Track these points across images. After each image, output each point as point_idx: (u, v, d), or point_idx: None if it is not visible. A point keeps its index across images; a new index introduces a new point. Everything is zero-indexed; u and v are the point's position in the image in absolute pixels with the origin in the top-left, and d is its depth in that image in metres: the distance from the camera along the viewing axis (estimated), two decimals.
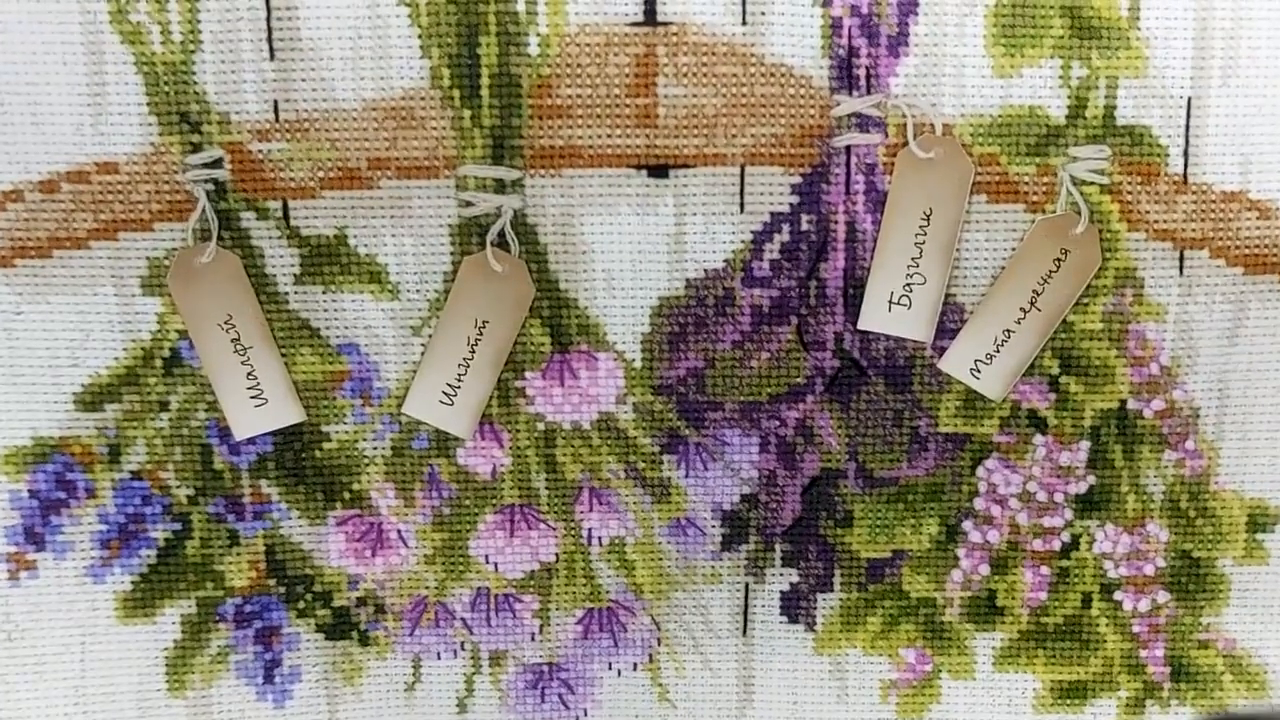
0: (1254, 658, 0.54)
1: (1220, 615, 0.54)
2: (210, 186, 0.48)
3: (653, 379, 0.51)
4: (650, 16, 0.47)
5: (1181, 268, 0.50)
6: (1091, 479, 0.52)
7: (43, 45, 0.46)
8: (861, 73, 0.48)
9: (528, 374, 0.51)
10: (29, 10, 0.46)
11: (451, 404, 0.50)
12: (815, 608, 0.54)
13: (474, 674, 0.54)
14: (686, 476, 0.52)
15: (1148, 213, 0.49)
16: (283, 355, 0.50)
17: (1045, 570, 0.53)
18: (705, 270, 0.50)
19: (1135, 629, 0.54)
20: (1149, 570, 0.53)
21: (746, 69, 0.48)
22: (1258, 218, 0.49)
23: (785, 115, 0.48)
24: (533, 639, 0.54)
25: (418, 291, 0.50)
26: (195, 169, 0.48)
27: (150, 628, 0.53)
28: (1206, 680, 0.55)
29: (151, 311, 0.49)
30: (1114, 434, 0.52)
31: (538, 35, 0.47)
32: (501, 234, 0.49)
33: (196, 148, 0.48)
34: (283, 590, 0.53)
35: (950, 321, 0.50)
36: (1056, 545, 0.53)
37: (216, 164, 0.48)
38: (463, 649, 0.54)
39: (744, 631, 0.54)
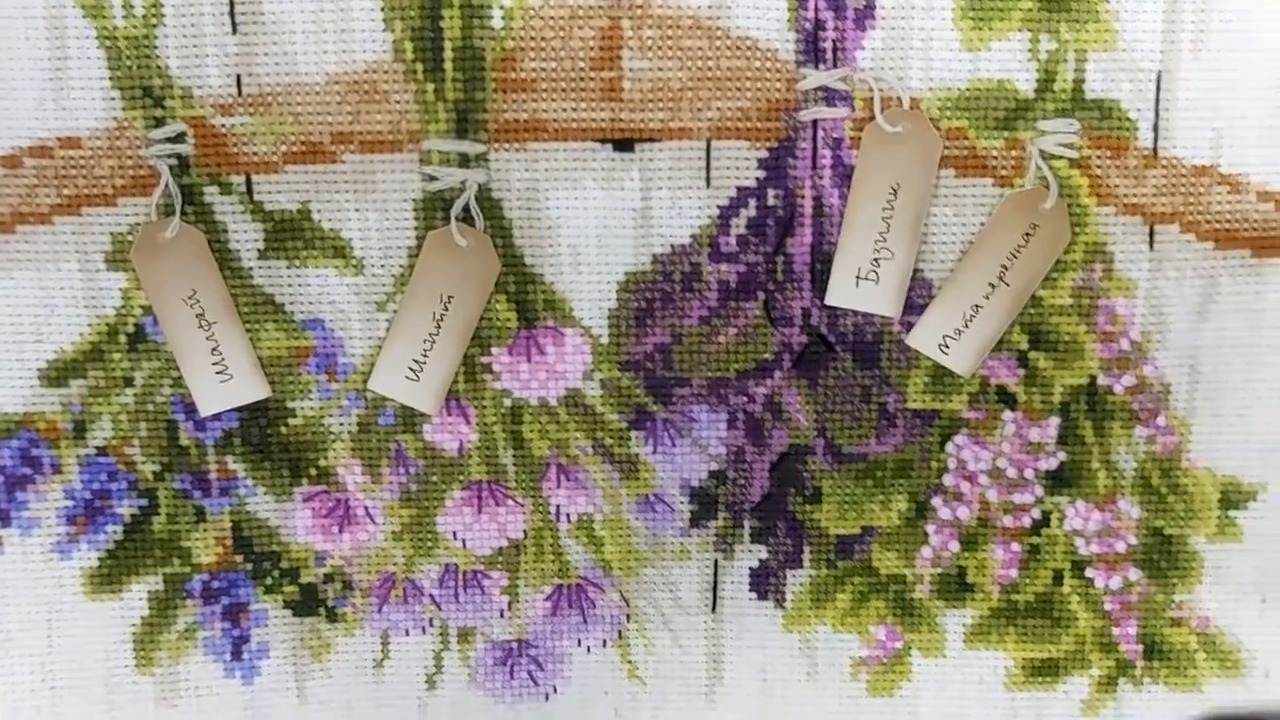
0: (1227, 636, 0.54)
1: (1193, 593, 0.54)
2: (173, 161, 0.48)
3: (620, 355, 0.51)
4: None
5: (1151, 242, 0.50)
6: (1062, 455, 0.52)
7: (4, 19, 0.46)
8: (828, 46, 0.48)
9: (494, 350, 0.50)
10: None
11: (418, 380, 0.50)
12: (784, 584, 0.54)
13: (443, 651, 0.54)
14: (654, 453, 0.52)
15: (1117, 187, 0.49)
16: (247, 331, 0.50)
17: (1016, 547, 0.53)
18: (672, 245, 0.50)
19: (1107, 606, 0.54)
20: (1120, 547, 0.53)
21: (712, 42, 0.47)
22: (1229, 192, 0.49)
23: (751, 89, 0.48)
24: (501, 616, 0.54)
25: (382, 267, 0.49)
26: (158, 144, 0.48)
27: (117, 604, 0.53)
28: (1180, 658, 0.54)
29: (116, 287, 0.49)
30: (1084, 410, 0.51)
31: (501, 8, 0.47)
32: (466, 209, 0.49)
33: (159, 122, 0.47)
34: (250, 566, 0.52)
35: (918, 297, 0.50)
36: (1027, 522, 0.53)
37: (179, 138, 0.48)
38: (431, 625, 0.54)
39: (713, 608, 0.54)
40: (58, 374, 0.50)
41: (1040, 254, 0.49)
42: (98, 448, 0.51)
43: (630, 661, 0.55)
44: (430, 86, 0.47)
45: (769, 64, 0.48)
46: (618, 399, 0.51)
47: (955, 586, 0.54)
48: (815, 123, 0.48)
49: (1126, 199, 0.49)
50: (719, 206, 0.49)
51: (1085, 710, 0.55)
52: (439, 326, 0.49)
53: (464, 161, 0.48)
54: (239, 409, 0.50)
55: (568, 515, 0.53)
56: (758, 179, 0.49)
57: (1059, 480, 0.52)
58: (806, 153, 0.49)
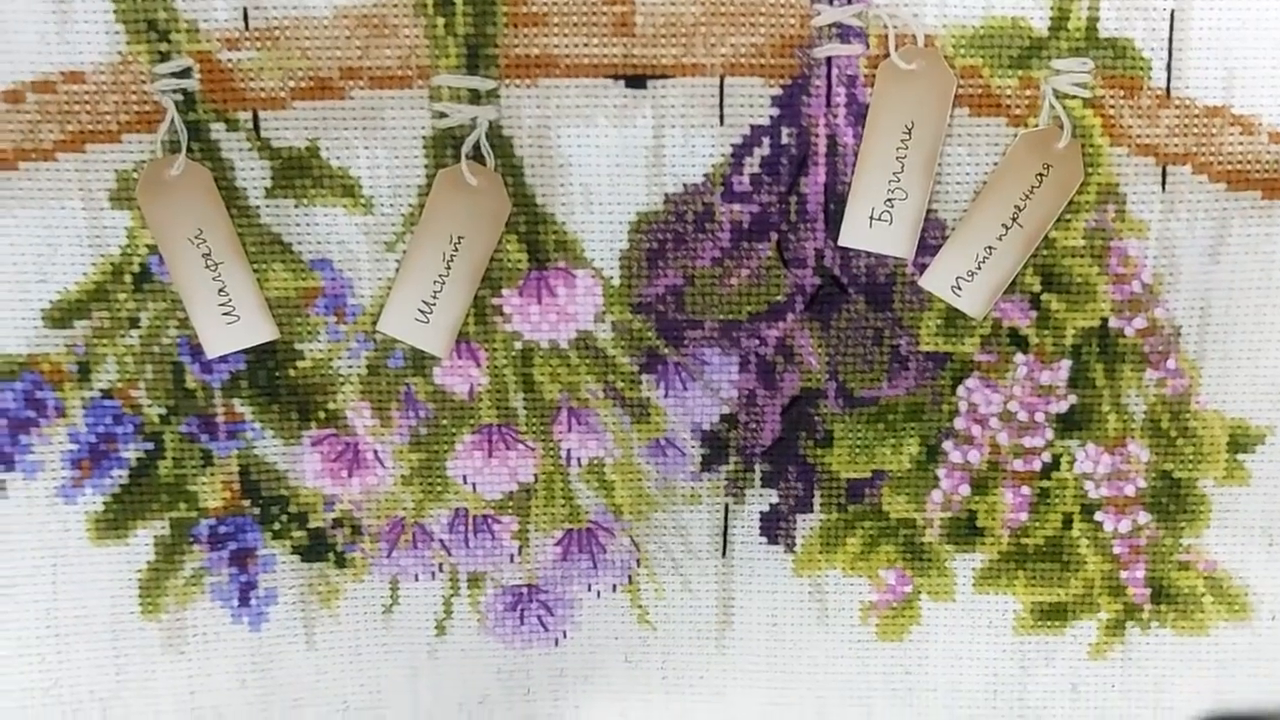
0: (1235, 579, 0.54)
1: (1201, 536, 0.54)
2: (179, 97, 0.47)
3: (631, 297, 0.50)
4: None
5: (1164, 183, 0.50)
6: (1072, 398, 0.52)
7: None
8: None
9: (504, 291, 0.50)
10: None
11: (427, 322, 0.49)
12: (795, 528, 0.54)
13: (452, 596, 0.54)
14: (666, 396, 0.52)
15: (1130, 127, 0.49)
16: (255, 271, 0.49)
17: (1026, 491, 0.53)
18: (684, 185, 0.49)
19: (1116, 550, 0.54)
20: (1130, 491, 0.53)
21: None
22: (1241, 133, 0.49)
23: (765, 24, 0.47)
24: (511, 560, 0.53)
25: (391, 205, 0.49)
26: (164, 79, 0.47)
27: (123, 549, 0.52)
28: (1187, 602, 0.55)
29: (120, 226, 0.49)
30: (1095, 352, 0.51)
31: None
32: (476, 146, 0.48)
33: (165, 57, 0.47)
34: (257, 511, 0.52)
35: (931, 238, 0.50)
36: (1037, 465, 0.53)
37: (185, 74, 0.47)
38: (441, 571, 0.53)
39: (723, 553, 0.54)
40: (62, 315, 0.49)
41: (1053, 195, 0.49)
42: (103, 390, 0.50)
43: (640, 606, 0.54)
44: (440, 21, 0.47)
45: None
46: (629, 341, 0.51)
47: (965, 530, 0.54)
48: (829, 60, 0.48)
49: (1139, 139, 0.49)
50: (732, 145, 0.49)
51: (1093, 654, 0.55)
52: (449, 267, 0.49)
53: (474, 98, 0.48)
54: (246, 351, 0.50)
55: (578, 459, 0.52)
56: (771, 117, 0.49)
57: (1069, 423, 0.52)
58: (821, 90, 0.48)
